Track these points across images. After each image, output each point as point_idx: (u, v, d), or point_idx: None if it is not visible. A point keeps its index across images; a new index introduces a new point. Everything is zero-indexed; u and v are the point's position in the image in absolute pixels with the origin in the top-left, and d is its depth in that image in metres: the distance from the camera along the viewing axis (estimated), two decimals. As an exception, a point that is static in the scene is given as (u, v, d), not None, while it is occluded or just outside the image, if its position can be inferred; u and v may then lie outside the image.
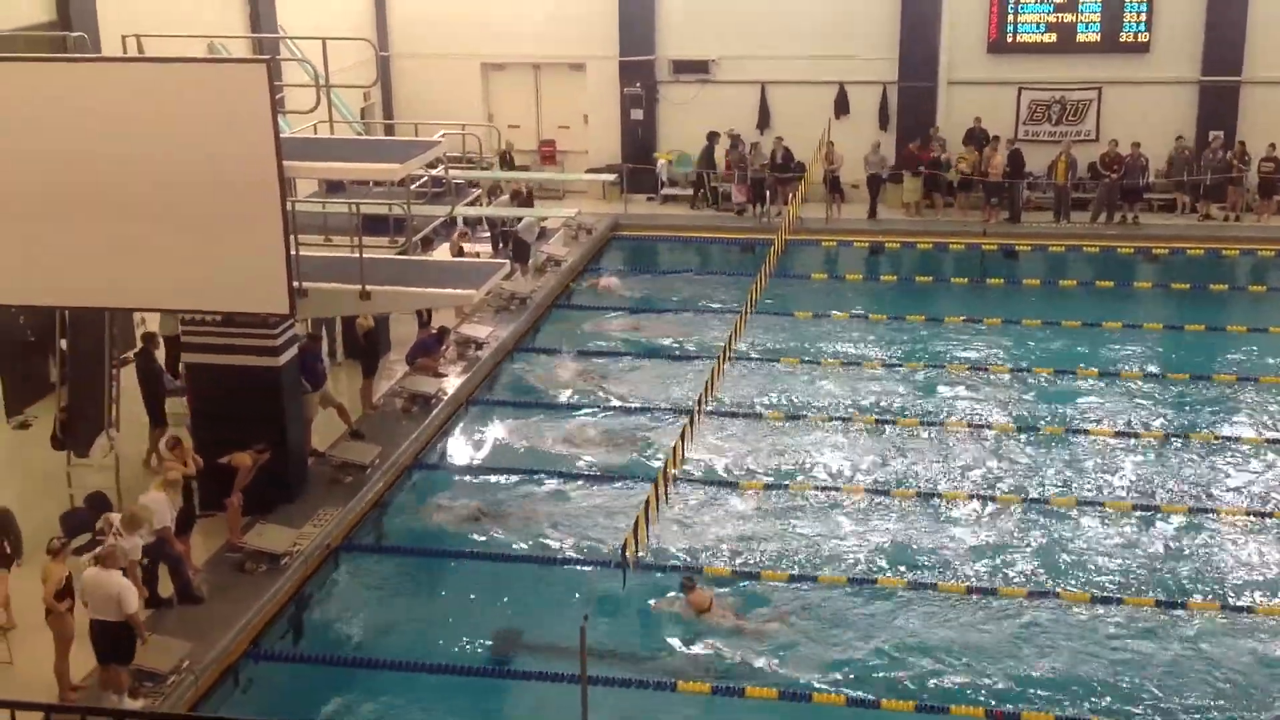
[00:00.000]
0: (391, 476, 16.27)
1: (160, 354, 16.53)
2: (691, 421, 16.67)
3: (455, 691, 12.38)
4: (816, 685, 12.19)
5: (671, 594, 13.51)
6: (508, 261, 18.64)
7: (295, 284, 13.86)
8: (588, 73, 29.31)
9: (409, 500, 16.19)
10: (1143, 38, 26.97)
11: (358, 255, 15.09)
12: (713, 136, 27.87)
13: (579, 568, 14.38)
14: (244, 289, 13.63)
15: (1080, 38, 27.21)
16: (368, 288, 14.88)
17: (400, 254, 17.35)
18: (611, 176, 27.96)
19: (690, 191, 28.54)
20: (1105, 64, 27.25)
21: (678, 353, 20.77)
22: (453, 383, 18.77)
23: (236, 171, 13.19)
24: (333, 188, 19.09)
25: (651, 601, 13.59)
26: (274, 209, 13.26)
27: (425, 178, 20.04)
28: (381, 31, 29.21)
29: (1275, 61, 26.57)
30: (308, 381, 15.87)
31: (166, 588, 12.97)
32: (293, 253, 13.87)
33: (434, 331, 19.12)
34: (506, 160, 26.95)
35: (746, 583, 13.92)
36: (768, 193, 27.29)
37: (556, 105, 29.94)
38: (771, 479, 16.29)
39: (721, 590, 13.64)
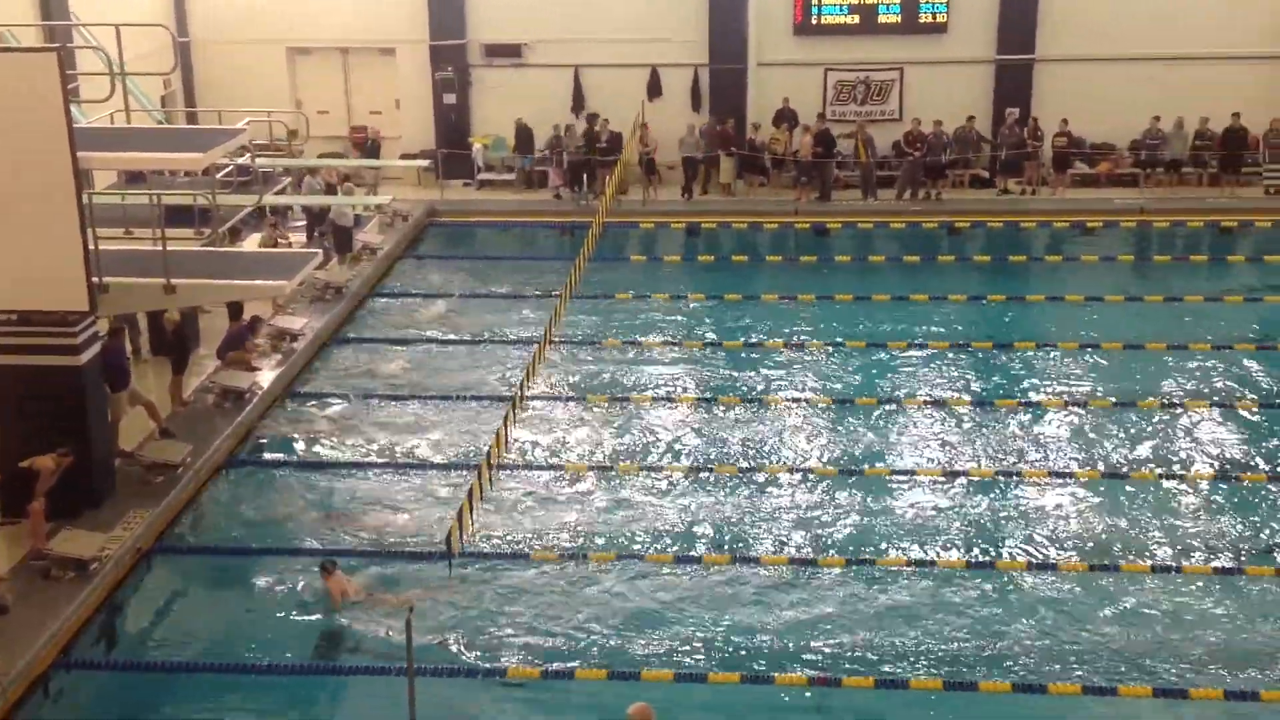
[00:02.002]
0: (205, 475, 15.82)
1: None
2: (514, 407, 16.64)
3: (277, 692, 12.14)
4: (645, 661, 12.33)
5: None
6: (320, 251, 18.26)
7: (95, 279, 13.38)
8: (398, 57, 28.92)
9: (224, 499, 15.77)
10: (941, 18, 27.85)
11: (161, 248, 14.61)
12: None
13: (403, 560, 14.21)
14: (40, 286, 13.17)
15: (881, 19, 27.95)
16: (173, 281, 14.43)
17: (207, 246, 16.87)
18: (426, 162, 27.64)
19: (509, 176, 28.44)
20: (906, 45, 28.06)
21: (499, 339, 20.68)
22: (267, 376, 18.33)
23: (28, 164, 12.77)
24: (133, 179, 18.46)
25: (302, 590, 13.55)
26: (69, 202, 12.83)
27: (230, 167, 19.50)
28: (181, 16, 28.33)
29: (1066, 40, 27.74)
30: (112, 380, 15.31)
31: (-33, 601, 12.40)
32: (91, 247, 13.39)
33: (245, 324, 18.63)
34: (368, 149, 26.70)
35: (572, 563, 13.97)
36: (585, 176, 27.36)
37: (367, 91, 29.46)
38: (596, 461, 16.37)
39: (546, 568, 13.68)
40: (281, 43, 28.82)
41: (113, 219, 16.79)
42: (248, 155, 18.84)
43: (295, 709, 11.98)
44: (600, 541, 14.51)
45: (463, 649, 12.61)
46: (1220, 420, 17.29)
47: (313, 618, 13.20)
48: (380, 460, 16.52)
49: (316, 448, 17.05)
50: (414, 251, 25.33)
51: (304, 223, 24.29)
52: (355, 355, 20.14)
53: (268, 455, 16.95)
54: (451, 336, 20.76)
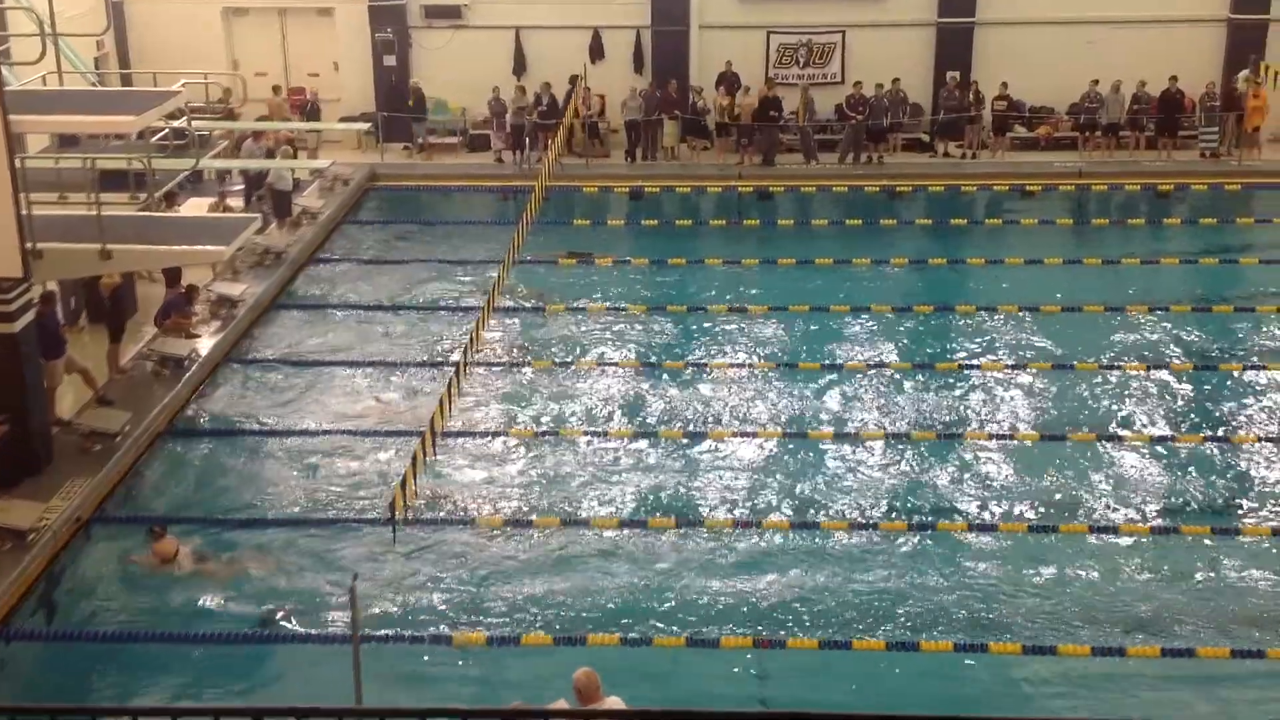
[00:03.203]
0: (145, 443, 15.64)
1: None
2: (458, 373, 16.55)
3: (220, 661, 12.06)
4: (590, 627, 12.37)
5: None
6: (259, 216, 18.01)
7: (28, 245, 13.13)
8: (336, 18, 28.50)
9: (164, 467, 15.60)
10: (883, -18, 27.86)
11: (96, 213, 14.35)
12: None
13: (348, 527, 14.14)
14: (-29, 252, 12.84)
15: (825, -18, 27.93)
16: (109, 247, 14.17)
17: (143, 210, 16.59)
18: (366, 125, 27.30)
19: (451, 140, 28.19)
20: (848, 8, 28.06)
21: (441, 304, 20.55)
22: (206, 343, 18.12)
23: (-44, 127, 12.39)
24: (66, 142, 18.10)
25: (133, 556, 13.52)
26: (1, 166, 12.51)
27: (166, 130, 19.17)
28: (113, -25, 27.71)
29: (1006, 4, 27.86)
30: (45, 347, 15.05)
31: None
32: (24, 212, 13.12)
33: (183, 290, 18.36)
34: (307, 112, 26.36)
35: (517, 529, 13.96)
36: (527, 139, 27.18)
37: (305, 52, 29.04)
38: (540, 427, 16.36)
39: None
40: (217, 2, 28.33)
41: (46, 183, 16.45)
42: (184, 118, 18.55)
43: (238, 678, 11.90)
44: (545, 506, 14.51)
45: (407, 616, 12.58)
46: (1158, 382, 17.55)
47: (258, 587, 13.12)
48: (322, 427, 16.39)
49: (257, 414, 16.88)
50: (355, 216, 25.06)
51: (241, 187, 23.93)
52: (295, 321, 19.94)
53: (208, 423, 16.77)
54: (393, 302, 20.59)
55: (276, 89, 27.57)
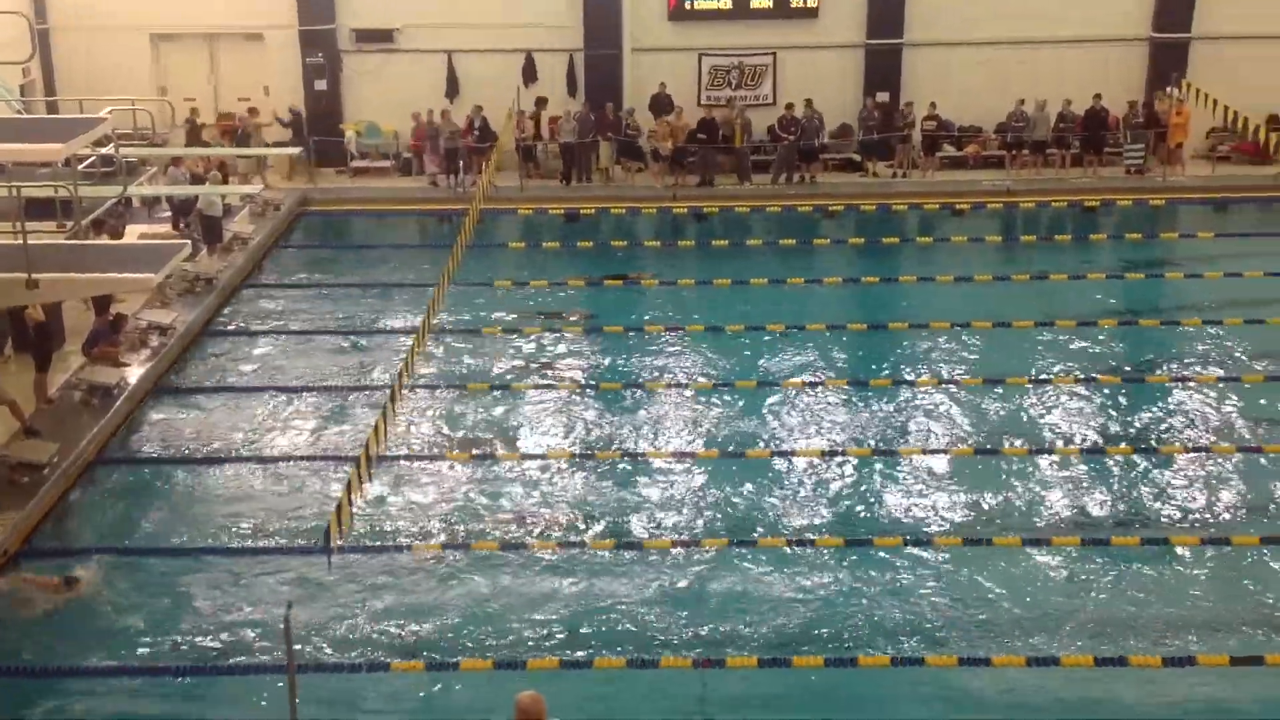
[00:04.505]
0: (74, 474, 15.39)
1: None
2: (393, 398, 16.43)
3: (154, 694, 11.86)
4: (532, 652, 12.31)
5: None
6: (189, 242, 17.83)
7: (-49, 275, 12.90)
8: (266, 43, 28.35)
9: (94, 499, 15.35)
10: (812, 3, 28.21)
11: (22, 242, 14.14)
12: (540, 101, 27.42)
13: (283, 555, 13.99)
14: (-108, 282, 12.60)
15: (754, 4, 28.24)
16: (34, 275, 13.95)
17: (70, 238, 16.38)
18: (297, 150, 27.14)
19: (384, 163, 28.10)
20: (778, 29, 28.36)
21: (375, 329, 20.44)
22: (136, 372, 17.88)
23: (-125, 156, 12.17)
24: (-10, 170, 17.82)
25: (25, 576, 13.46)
26: (-78, 195, 12.31)
27: (93, 157, 18.95)
28: (39, 2, 27.42)
29: (933, 24, 28.27)
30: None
31: None
32: (-53, 242, 12.91)
33: (111, 318, 18.12)
34: (238, 137, 26.12)
35: (455, 553, 13.88)
36: (461, 163, 27.14)
37: (235, 77, 28.83)
38: (476, 450, 16.28)
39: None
40: (144, 29, 28.09)
41: (-30, 213, 16.21)
42: (111, 145, 18.34)
43: (171, 712, 11.71)
44: (482, 530, 14.44)
45: (344, 645, 12.45)
46: (1086, 395, 17.81)
47: (191, 618, 12.93)
48: (254, 454, 16.22)
49: (189, 443, 16.68)
50: (286, 241, 24.90)
51: (169, 214, 23.70)
52: (228, 348, 19.73)
53: (138, 452, 16.54)
54: (326, 327, 20.45)
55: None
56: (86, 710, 11.63)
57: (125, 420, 16.95)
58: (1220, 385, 17.78)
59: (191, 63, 28.72)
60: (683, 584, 13.44)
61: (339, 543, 13.29)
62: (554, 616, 12.89)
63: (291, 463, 16.00)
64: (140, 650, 12.43)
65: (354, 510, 13.89)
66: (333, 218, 26.45)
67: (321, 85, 28.27)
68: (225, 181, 24.26)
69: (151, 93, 27.29)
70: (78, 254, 15.44)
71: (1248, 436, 16.46)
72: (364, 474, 14.09)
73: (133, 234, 20.78)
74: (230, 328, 20.55)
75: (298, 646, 10.07)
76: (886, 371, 18.74)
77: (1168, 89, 26.80)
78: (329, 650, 12.34)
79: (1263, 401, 17.34)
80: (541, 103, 27.51)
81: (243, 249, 23.24)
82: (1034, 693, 11.79)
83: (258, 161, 27.24)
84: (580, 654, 12.27)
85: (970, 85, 28.04)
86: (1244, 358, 18.84)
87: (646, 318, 20.80)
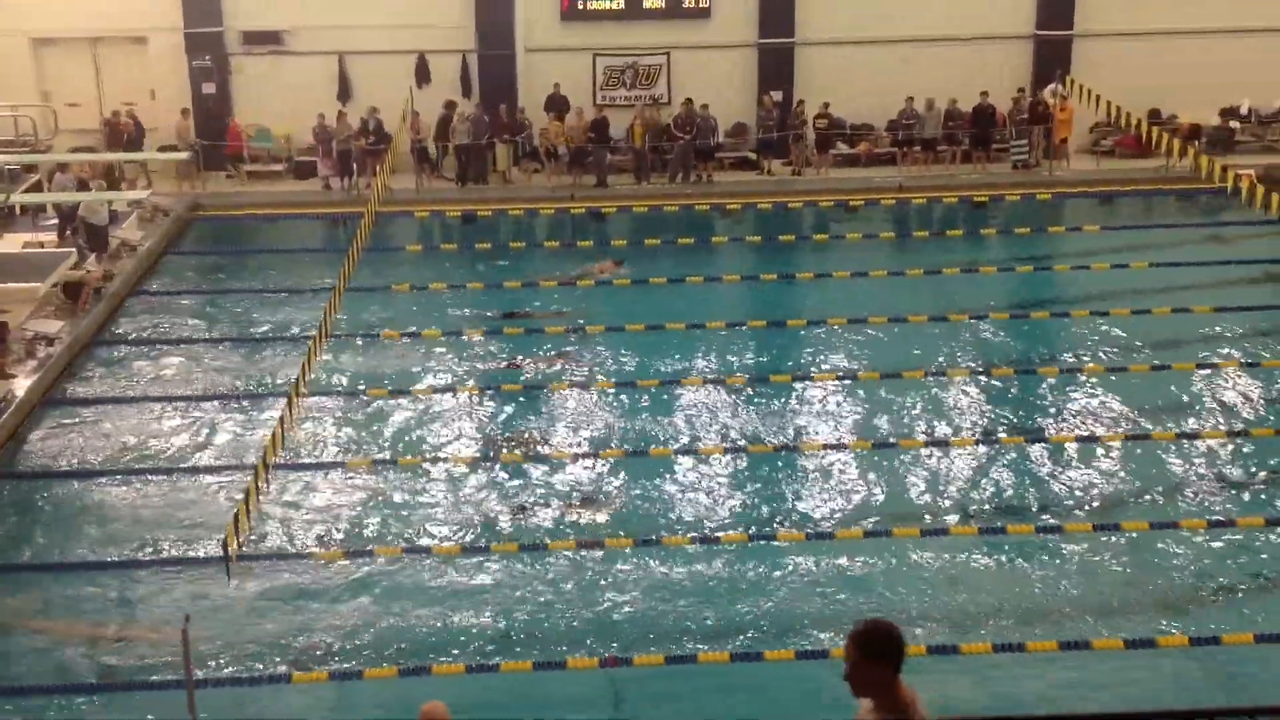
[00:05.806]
0: (-42, 491, 14.95)
1: None
2: (290, 405, 16.21)
3: (52, 712, 11.56)
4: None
5: None
6: (74, 251, 17.42)
7: None
8: (150, 46, 27.78)
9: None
10: (704, 3, 28.34)
11: (-103, 252, 13.72)
12: (449, 105, 27.12)
13: (180, 566, 13.72)
14: None
15: (647, 4, 28.31)
16: (-87, 287, 13.56)
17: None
18: (185, 154, 26.61)
19: (276, 167, 27.69)
20: (671, 29, 28.47)
21: (270, 335, 20.12)
22: (22, 383, 17.40)
23: None
24: None
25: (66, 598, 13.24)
26: None
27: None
28: (-88, 6, 26.58)
29: (824, 24, 28.58)
30: None
31: None
32: None
33: (-6, 330, 17.65)
34: (127, 142, 25.52)
35: (357, 560, 13.72)
36: (355, 165, 26.85)
37: (119, 81, 28.20)
38: (377, 455, 16.12)
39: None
40: (23, 33, 27.37)
41: None
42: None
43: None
44: (385, 536, 14.30)
45: (244, 656, 12.25)
46: (980, 386, 18.14)
47: (86, 634, 12.62)
48: (148, 465, 15.88)
49: (80, 455, 16.29)
50: (177, 247, 24.42)
51: (55, 222, 23.10)
52: (117, 357, 19.30)
53: (25, 465, 16.11)
54: (220, 335, 20.10)
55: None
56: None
57: (11, 434, 16.49)
58: (1110, 376, 18.22)
59: (74, 68, 28.03)
60: (587, 583, 13.44)
61: (238, 551, 13.11)
62: (458, 621, 12.80)
63: (186, 473, 15.70)
64: (36, 668, 12.11)
65: (252, 519, 13.69)
66: (225, 223, 25.99)
67: (209, 89, 27.76)
68: (115, 188, 23.71)
69: (33, 98, 26.61)
70: (-42, 264, 15.01)
71: (1137, 424, 16.88)
72: (262, 482, 13.89)
73: (16, 243, 20.23)
74: (120, 336, 20.09)
75: (196, 663, 9.86)
76: (786, 368, 18.90)
77: (1053, 85, 27.40)
78: (228, 661, 12.12)
79: (1150, 390, 17.80)
80: (451, 105, 27.27)
81: (132, 256, 22.73)
82: (931, 685, 11.96)
83: (142, 166, 26.66)
84: (484, 658, 12.20)
85: (861, 84, 28.39)
86: (1130, 348, 19.33)
87: (545, 318, 20.73)
